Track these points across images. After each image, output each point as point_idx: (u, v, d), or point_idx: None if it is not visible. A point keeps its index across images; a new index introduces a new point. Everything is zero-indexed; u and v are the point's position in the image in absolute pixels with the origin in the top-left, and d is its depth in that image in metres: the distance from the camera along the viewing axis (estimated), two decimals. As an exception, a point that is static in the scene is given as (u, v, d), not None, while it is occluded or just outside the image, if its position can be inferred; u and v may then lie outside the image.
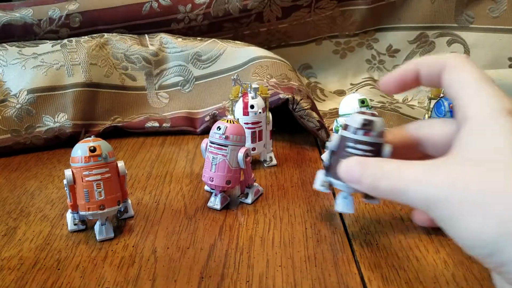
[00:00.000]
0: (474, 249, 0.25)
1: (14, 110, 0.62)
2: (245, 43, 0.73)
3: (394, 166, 0.29)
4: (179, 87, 0.72)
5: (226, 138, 0.44)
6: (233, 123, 0.45)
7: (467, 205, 0.24)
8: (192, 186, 0.51)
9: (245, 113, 0.52)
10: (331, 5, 0.80)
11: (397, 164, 0.29)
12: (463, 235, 0.25)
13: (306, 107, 0.58)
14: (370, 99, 0.54)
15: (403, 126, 0.36)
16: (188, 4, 0.73)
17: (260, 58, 0.68)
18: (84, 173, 0.37)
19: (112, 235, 0.40)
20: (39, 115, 0.63)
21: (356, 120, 0.35)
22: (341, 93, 0.80)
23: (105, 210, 0.38)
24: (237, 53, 0.71)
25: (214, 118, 0.66)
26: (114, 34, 0.71)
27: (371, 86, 0.78)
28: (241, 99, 0.53)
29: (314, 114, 0.59)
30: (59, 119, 0.63)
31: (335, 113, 0.67)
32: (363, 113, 0.35)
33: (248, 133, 0.51)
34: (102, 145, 0.38)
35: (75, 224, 0.41)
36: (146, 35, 0.73)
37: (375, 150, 0.34)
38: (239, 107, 0.52)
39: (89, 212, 0.38)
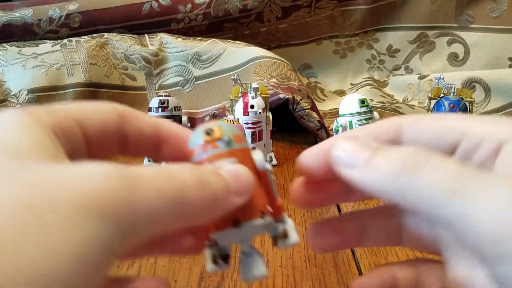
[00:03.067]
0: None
1: (14, 110, 0.62)
2: (245, 43, 0.73)
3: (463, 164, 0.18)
4: (179, 87, 0.72)
5: (226, 138, 0.44)
6: (233, 123, 0.45)
7: None
8: (192, 186, 0.51)
9: (245, 113, 0.52)
10: (331, 5, 0.79)
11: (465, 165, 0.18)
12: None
13: (306, 107, 0.58)
14: (370, 99, 0.54)
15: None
16: (188, 4, 0.73)
17: (260, 58, 0.68)
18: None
19: (262, 272, 0.22)
20: (39, 115, 0.63)
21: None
22: (341, 93, 0.80)
23: (242, 226, 0.21)
24: (237, 53, 0.71)
25: (214, 118, 0.66)
26: (114, 34, 0.71)
27: (371, 86, 0.78)
28: (241, 99, 0.53)
29: (314, 114, 0.59)
30: (59, 119, 0.63)
31: (335, 113, 0.67)
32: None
33: (248, 133, 0.51)
34: (224, 126, 0.23)
35: (214, 262, 0.23)
36: (146, 35, 0.73)
37: None
38: (239, 107, 0.52)
39: (219, 233, 0.21)
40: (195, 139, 0.23)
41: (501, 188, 0.17)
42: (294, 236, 0.24)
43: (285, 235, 0.24)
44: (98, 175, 0.15)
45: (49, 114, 0.19)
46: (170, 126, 0.25)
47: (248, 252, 0.23)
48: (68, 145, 0.20)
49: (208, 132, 0.22)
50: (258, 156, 0.23)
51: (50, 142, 0.18)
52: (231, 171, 0.21)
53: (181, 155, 0.23)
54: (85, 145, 0.21)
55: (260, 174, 0.23)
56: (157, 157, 0.25)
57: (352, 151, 0.20)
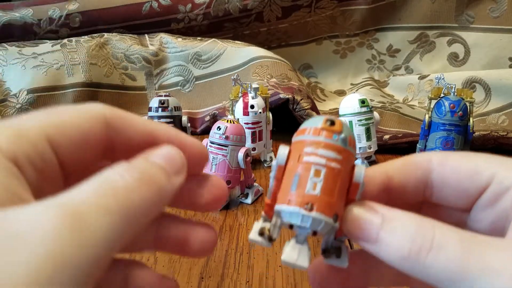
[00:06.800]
0: None
1: (14, 110, 0.62)
2: (245, 43, 0.73)
3: (467, 237, 0.19)
4: (179, 87, 0.72)
5: (226, 138, 0.44)
6: (233, 123, 0.45)
7: None
8: (192, 186, 0.51)
9: (245, 113, 0.52)
10: (331, 5, 0.79)
11: (469, 236, 0.19)
12: None
13: (306, 107, 0.58)
14: (370, 99, 0.54)
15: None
16: (188, 4, 0.73)
17: (260, 58, 0.68)
18: (305, 149, 0.22)
19: (305, 264, 0.21)
20: (39, 115, 0.63)
21: None
22: (341, 93, 0.80)
23: (312, 213, 0.21)
24: (237, 53, 0.71)
25: (214, 118, 0.66)
26: (114, 34, 0.71)
27: (372, 86, 0.78)
28: (241, 99, 0.53)
29: (314, 114, 0.59)
30: (59, 119, 0.63)
31: (335, 113, 0.67)
32: None
33: (248, 133, 0.51)
34: (345, 125, 0.23)
35: (261, 234, 0.23)
36: (146, 35, 0.73)
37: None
38: (239, 107, 0.52)
39: (287, 207, 0.21)
40: (314, 121, 0.23)
41: (504, 270, 0.17)
42: (345, 261, 0.23)
43: (337, 254, 0.23)
44: (44, 229, 0.15)
45: (14, 140, 0.18)
46: (167, 132, 0.23)
47: (300, 241, 0.22)
48: (35, 174, 0.19)
49: (330, 122, 0.22)
50: (359, 169, 0.22)
51: (6, 180, 0.17)
52: (163, 155, 0.21)
53: None
54: (59, 164, 0.20)
55: (352, 186, 0.22)
56: None
57: (362, 223, 0.21)
